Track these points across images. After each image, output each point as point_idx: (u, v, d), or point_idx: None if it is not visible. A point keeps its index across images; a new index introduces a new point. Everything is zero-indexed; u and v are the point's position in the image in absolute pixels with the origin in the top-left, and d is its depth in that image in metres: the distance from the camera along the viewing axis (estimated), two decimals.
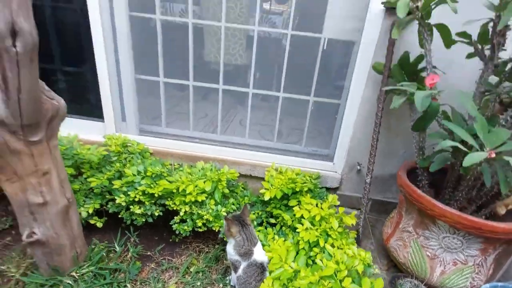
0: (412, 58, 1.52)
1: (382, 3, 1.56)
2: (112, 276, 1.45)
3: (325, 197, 1.77)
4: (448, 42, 1.33)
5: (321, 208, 1.59)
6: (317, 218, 1.51)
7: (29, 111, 1.01)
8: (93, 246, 1.57)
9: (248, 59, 2.24)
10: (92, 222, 1.62)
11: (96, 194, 1.64)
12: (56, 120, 1.14)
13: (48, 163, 1.16)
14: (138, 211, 1.56)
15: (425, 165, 1.38)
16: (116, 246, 1.61)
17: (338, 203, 1.67)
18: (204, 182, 1.61)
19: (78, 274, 1.38)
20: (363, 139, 1.87)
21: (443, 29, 1.31)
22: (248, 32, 2.43)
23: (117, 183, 1.57)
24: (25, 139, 1.05)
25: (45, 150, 1.14)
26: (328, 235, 1.49)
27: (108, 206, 1.64)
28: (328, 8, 1.75)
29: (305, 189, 1.76)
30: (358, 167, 1.97)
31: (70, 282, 1.34)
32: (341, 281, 1.10)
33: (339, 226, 1.52)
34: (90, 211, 1.58)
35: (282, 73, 1.93)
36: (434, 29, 1.33)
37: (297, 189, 1.71)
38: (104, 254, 1.53)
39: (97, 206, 1.61)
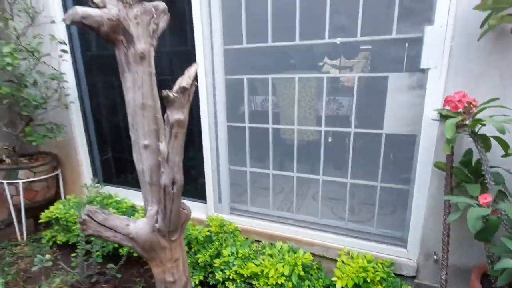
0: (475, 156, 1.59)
1: (435, 109, 1.74)
2: None
3: None
4: (507, 152, 1.41)
5: None
6: None
7: (173, 222, 1.57)
8: None
9: (317, 148, 2.56)
10: None
11: (200, 266, 2.13)
12: (186, 223, 1.69)
13: (179, 252, 1.70)
14: (231, 287, 1.96)
15: (496, 274, 1.38)
16: None
17: None
18: (283, 266, 1.93)
19: None
20: (434, 229, 1.90)
21: (499, 140, 1.41)
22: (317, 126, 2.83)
23: (216, 262, 2.03)
24: (169, 239, 1.61)
25: (178, 244, 1.68)
26: None
27: (209, 278, 2.10)
28: (385, 116, 2.01)
29: (377, 278, 1.86)
30: (435, 257, 1.96)
31: None
32: None
33: None
34: (196, 282, 2.06)
35: (349, 162, 2.19)
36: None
37: (369, 279, 1.83)
38: None
39: (201, 278, 2.09)
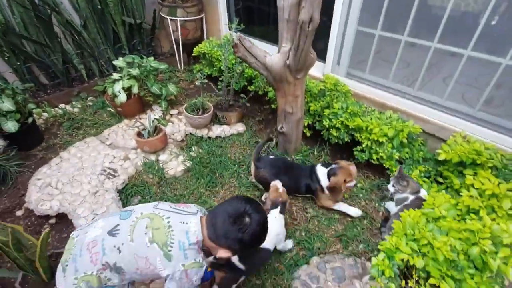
0: None
1: None
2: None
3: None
4: None
5: (498, 185, 1.66)
6: (488, 192, 1.64)
7: (301, 61, 1.78)
8: (303, 146, 2.52)
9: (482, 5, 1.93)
10: (304, 131, 2.52)
11: (310, 114, 2.48)
12: (310, 66, 1.89)
13: (299, 91, 2.00)
14: (334, 134, 2.28)
15: None
16: (315, 151, 2.48)
17: None
18: (388, 128, 2.04)
19: (295, 157, 2.37)
20: None
21: None
22: None
23: (326, 111, 2.30)
24: (295, 76, 1.88)
25: (300, 83, 1.95)
26: (494, 211, 1.62)
27: (316, 124, 2.46)
28: None
29: (489, 164, 1.81)
30: None
31: (290, 160, 2.36)
32: (476, 242, 1.34)
33: (510, 208, 1.58)
34: (305, 124, 2.46)
35: None
36: None
37: (478, 162, 1.80)
38: (309, 152, 2.44)
39: (310, 122, 2.47)
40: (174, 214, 1.16)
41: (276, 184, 1.84)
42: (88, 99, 3.21)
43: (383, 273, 1.28)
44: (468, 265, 1.30)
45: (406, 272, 1.40)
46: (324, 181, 1.90)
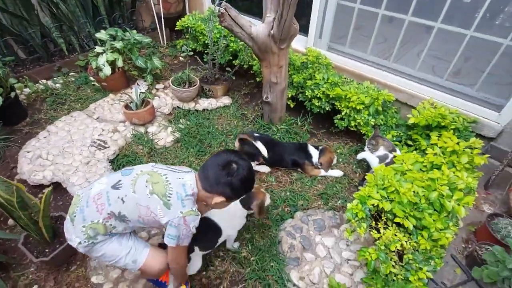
0: None
1: None
2: (294, 134, 2.52)
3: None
4: None
5: (457, 144, 1.88)
6: (449, 149, 1.86)
7: (285, 31, 1.87)
8: (287, 116, 2.66)
9: None
10: (288, 102, 2.65)
11: (294, 86, 2.60)
12: (294, 37, 1.99)
13: (283, 61, 2.11)
14: (316, 104, 2.43)
15: None
16: (298, 121, 2.63)
17: (479, 146, 1.87)
18: (365, 96, 2.21)
19: (279, 127, 2.51)
20: None
21: None
22: None
23: (309, 82, 2.43)
24: (279, 46, 1.98)
25: (284, 53, 2.06)
26: (454, 166, 1.85)
27: (299, 96, 2.59)
28: None
29: (452, 126, 2.02)
30: None
31: (275, 129, 2.50)
32: (435, 189, 1.56)
33: (467, 163, 1.81)
34: (289, 96, 2.59)
35: (482, 7, 1.90)
36: None
37: (443, 124, 2.01)
38: (293, 122, 2.59)
39: (293, 93, 2.59)
40: (170, 171, 1.28)
41: (264, 191, 1.76)
42: (70, 74, 3.16)
43: (356, 215, 1.48)
44: (428, 207, 1.51)
45: (377, 216, 1.60)
46: (315, 158, 2.21)
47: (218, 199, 1.26)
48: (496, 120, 2.08)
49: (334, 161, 2.27)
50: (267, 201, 1.74)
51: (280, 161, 2.22)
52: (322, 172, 2.23)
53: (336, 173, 2.24)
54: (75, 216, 1.24)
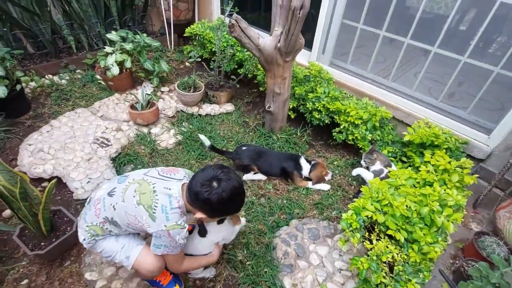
0: None
1: None
2: (293, 144, 2.59)
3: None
4: None
5: (449, 163, 1.97)
6: (441, 167, 1.94)
7: (291, 45, 1.97)
8: (287, 126, 2.73)
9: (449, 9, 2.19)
10: (289, 113, 2.73)
11: (296, 98, 2.69)
12: (299, 51, 2.08)
13: (288, 73, 2.19)
14: (316, 116, 2.51)
15: None
16: (298, 132, 2.71)
17: (469, 166, 1.96)
18: (364, 112, 2.30)
19: (279, 136, 2.58)
20: None
21: None
22: None
23: (310, 95, 2.52)
24: (284, 59, 2.07)
25: (289, 66, 2.15)
26: (445, 184, 1.93)
27: (300, 107, 2.68)
28: None
29: (445, 146, 2.12)
30: None
31: (275, 138, 2.57)
32: (427, 204, 1.63)
33: (458, 182, 1.90)
34: (290, 106, 2.67)
35: (476, 35, 2.02)
36: None
37: (436, 143, 2.10)
38: (293, 132, 2.66)
39: (295, 105, 2.68)
40: (160, 180, 1.28)
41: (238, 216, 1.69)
42: (77, 71, 3.21)
43: (350, 225, 1.53)
44: (419, 221, 1.58)
45: (370, 228, 1.66)
46: (306, 172, 2.26)
47: (199, 214, 1.25)
48: (485, 142, 2.18)
49: (328, 177, 2.29)
50: (241, 226, 1.66)
51: (270, 168, 2.27)
52: (309, 184, 2.27)
53: (323, 186, 2.27)
54: (83, 216, 1.36)
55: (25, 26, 2.91)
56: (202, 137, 2.24)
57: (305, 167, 2.26)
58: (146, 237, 1.83)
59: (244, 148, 2.30)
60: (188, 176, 1.37)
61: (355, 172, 2.25)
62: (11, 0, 2.74)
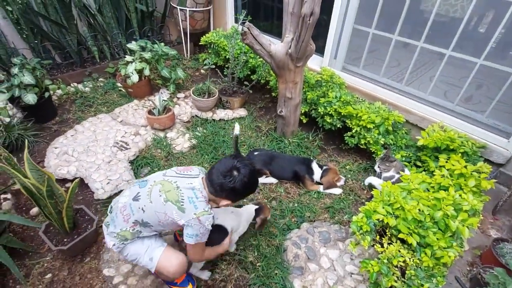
0: None
1: None
2: (305, 148, 2.60)
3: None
4: None
5: (465, 167, 1.91)
6: (456, 172, 1.89)
7: (301, 51, 2.01)
8: (299, 131, 2.76)
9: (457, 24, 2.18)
10: (301, 118, 2.76)
11: (307, 102, 2.71)
12: (309, 56, 2.12)
13: (299, 78, 2.23)
14: (328, 120, 2.53)
15: None
16: (310, 136, 2.72)
17: (487, 170, 1.90)
18: (376, 116, 2.29)
19: (291, 140, 2.61)
20: None
21: None
22: None
23: (322, 100, 2.54)
24: (295, 64, 2.12)
25: (300, 71, 2.19)
26: (461, 189, 1.88)
27: (312, 112, 2.70)
28: None
29: (461, 150, 2.07)
30: None
31: (287, 142, 2.60)
32: (441, 208, 1.59)
33: (474, 186, 1.84)
34: (302, 111, 2.70)
35: (492, 37, 1.98)
36: None
37: (451, 147, 2.06)
38: (304, 137, 2.69)
39: (306, 109, 2.71)
40: (180, 178, 1.40)
41: (269, 208, 1.92)
42: (99, 79, 3.40)
43: (361, 228, 1.53)
44: (433, 226, 1.55)
45: (381, 232, 1.64)
46: (317, 175, 2.27)
47: (224, 202, 1.39)
48: (505, 146, 2.11)
49: (341, 183, 2.28)
50: (269, 216, 1.87)
51: (282, 172, 2.30)
52: (320, 188, 2.26)
53: (335, 191, 2.26)
54: (108, 224, 1.45)
55: (54, 38, 3.13)
56: (236, 126, 2.24)
57: (317, 172, 2.27)
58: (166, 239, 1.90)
59: (256, 153, 2.36)
60: (202, 171, 1.49)
61: (367, 181, 2.26)
62: (42, 14, 2.96)
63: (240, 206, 1.86)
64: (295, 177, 2.31)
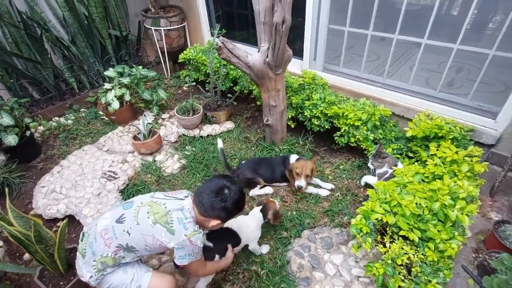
0: None
1: None
2: (297, 153, 2.58)
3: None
4: None
5: (456, 153, 1.91)
6: (448, 159, 1.89)
7: (279, 58, 2.00)
8: (288, 136, 2.74)
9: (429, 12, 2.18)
10: (289, 123, 2.74)
11: (293, 107, 2.70)
12: (288, 62, 2.11)
13: (280, 85, 2.22)
14: (316, 123, 2.51)
15: None
16: (300, 141, 2.70)
17: (478, 153, 1.90)
18: (362, 113, 2.29)
19: (281, 147, 2.58)
20: None
21: None
22: None
23: (307, 103, 2.53)
24: (274, 72, 2.10)
25: (280, 78, 2.18)
26: (456, 175, 1.87)
27: (299, 116, 2.69)
28: None
29: (450, 136, 2.07)
30: None
31: (277, 150, 2.57)
32: (437, 199, 1.57)
33: (468, 171, 1.84)
34: (289, 116, 2.68)
35: (465, 21, 2.00)
36: None
37: (440, 135, 2.06)
38: (294, 142, 2.67)
39: (293, 114, 2.69)
40: (169, 200, 1.37)
41: (273, 200, 1.97)
42: (81, 110, 3.34)
43: (361, 230, 1.50)
44: (432, 218, 1.53)
45: (382, 230, 1.62)
46: None
47: (214, 222, 1.36)
48: (493, 127, 2.11)
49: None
50: (277, 207, 1.92)
51: (272, 174, 2.29)
52: (309, 189, 2.23)
53: (322, 192, 2.22)
54: (85, 252, 1.33)
55: (30, 75, 3.07)
56: (219, 140, 2.34)
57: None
58: (159, 266, 1.84)
59: (243, 162, 2.35)
60: (190, 195, 1.47)
61: (363, 181, 2.26)
62: (15, 53, 2.91)
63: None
64: (283, 177, 2.28)
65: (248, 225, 1.74)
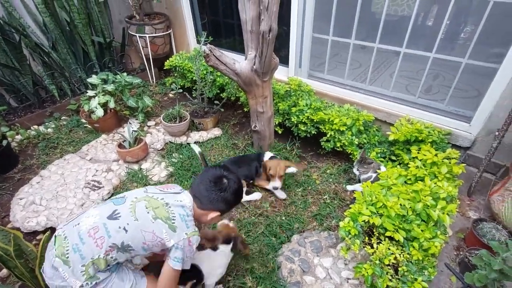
0: None
1: None
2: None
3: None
4: None
5: (436, 155, 2.01)
6: (429, 161, 1.98)
7: (266, 66, 2.04)
8: (276, 142, 2.77)
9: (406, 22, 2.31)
10: (276, 129, 2.78)
11: (280, 113, 2.74)
12: (275, 70, 2.16)
13: (267, 92, 2.26)
14: (302, 128, 2.56)
15: None
16: (287, 146, 2.74)
17: (456, 156, 2.00)
18: (346, 118, 2.36)
19: None
20: (508, 107, 1.95)
21: None
22: None
23: (293, 109, 2.58)
24: (262, 79, 2.14)
25: (268, 85, 2.21)
26: (436, 177, 1.96)
27: (286, 122, 2.73)
28: None
29: (429, 140, 2.17)
30: (497, 133, 2.08)
31: None
32: (420, 200, 1.64)
33: (447, 173, 1.93)
34: (276, 123, 2.72)
35: (439, 31, 2.13)
36: None
37: (420, 138, 2.16)
38: (282, 147, 2.70)
39: (280, 120, 2.73)
40: (165, 194, 1.30)
41: (224, 221, 1.83)
42: (62, 118, 3.23)
43: (349, 233, 1.54)
44: (416, 218, 1.59)
45: (369, 232, 1.66)
46: None
47: (214, 214, 1.34)
48: (468, 130, 2.24)
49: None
50: (240, 237, 1.69)
51: (248, 171, 2.31)
52: (268, 186, 2.25)
53: (279, 194, 2.26)
54: (67, 257, 1.14)
55: (7, 82, 2.95)
56: (194, 146, 2.33)
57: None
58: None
59: (222, 164, 2.34)
60: (182, 188, 1.42)
61: (349, 188, 2.34)
62: None
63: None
64: (258, 173, 2.32)
65: (216, 265, 1.57)
